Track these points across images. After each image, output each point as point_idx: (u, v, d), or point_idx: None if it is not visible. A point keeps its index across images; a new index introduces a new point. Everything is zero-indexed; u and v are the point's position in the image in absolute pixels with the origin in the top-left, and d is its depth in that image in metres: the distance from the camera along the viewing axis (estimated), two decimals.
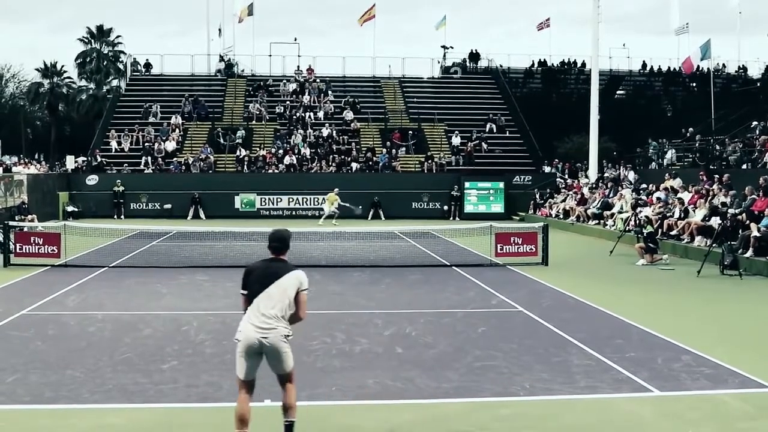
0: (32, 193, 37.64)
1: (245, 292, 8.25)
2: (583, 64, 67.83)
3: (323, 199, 41.38)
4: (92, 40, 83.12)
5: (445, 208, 44.56)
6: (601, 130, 45.01)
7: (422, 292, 18.50)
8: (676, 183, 31.30)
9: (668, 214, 27.95)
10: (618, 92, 70.80)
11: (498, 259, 23.41)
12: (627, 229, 27.67)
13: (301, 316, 8.43)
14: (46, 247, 22.84)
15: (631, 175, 39.03)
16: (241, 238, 28.56)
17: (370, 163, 47.66)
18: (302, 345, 12.75)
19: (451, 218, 43.56)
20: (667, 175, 33.53)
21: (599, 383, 10.67)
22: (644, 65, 70.21)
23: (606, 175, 42.52)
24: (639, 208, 27.99)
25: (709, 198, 27.00)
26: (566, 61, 70.53)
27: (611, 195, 35.64)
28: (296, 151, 48.30)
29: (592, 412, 9.57)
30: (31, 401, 9.76)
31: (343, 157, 48.12)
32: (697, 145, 37.77)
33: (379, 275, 21.12)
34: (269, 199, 44.57)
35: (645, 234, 24.69)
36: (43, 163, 54.96)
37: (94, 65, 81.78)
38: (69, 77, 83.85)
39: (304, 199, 44.54)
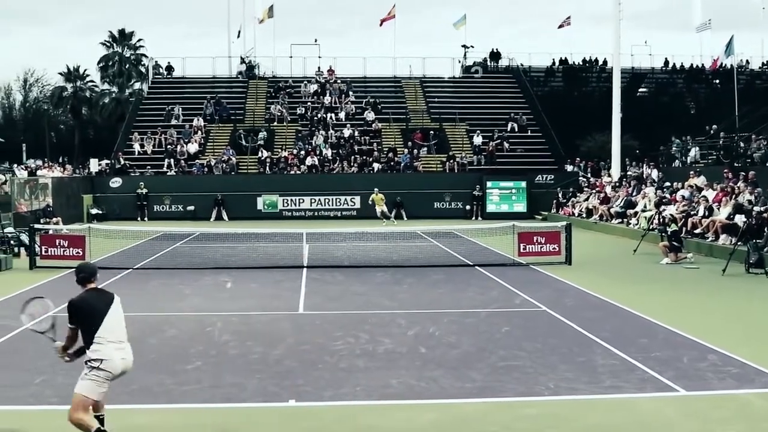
0: (57, 196, 37.89)
1: (72, 326, 8.35)
2: (605, 62, 67.47)
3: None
4: (114, 44, 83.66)
5: (468, 207, 44.46)
6: (624, 128, 44.72)
7: (445, 292, 18.48)
8: (700, 181, 31.11)
9: (692, 213, 27.76)
10: (640, 90, 70.35)
11: (521, 259, 23.33)
12: (651, 227, 27.54)
13: None
14: (71, 249, 23.01)
15: (655, 173, 38.81)
16: (264, 239, 28.68)
17: (392, 163, 47.63)
18: (325, 345, 12.81)
19: (474, 218, 43.47)
20: (691, 172, 33.33)
21: (624, 383, 10.62)
22: (666, 62, 69.75)
23: (629, 173, 42.28)
24: (663, 207, 27.87)
25: (734, 196, 26.79)
26: (587, 59, 70.17)
27: (634, 193, 35.45)
28: (318, 152, 48.36)
29: (617, 412, 9.53)
30: (58, 402, 9.81)
31: (364, 157, 48.13)
32: (721, 142, 37.52)
33: (401, 275, 21.11)
34: (291, 200, 44.64)
35: (669, 232, 24.52)
36: (67, 166, 55.25)
37: (116, 69, 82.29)
38: (92, 81, 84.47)
39: (327, 200, 44.59)
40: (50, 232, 25.66)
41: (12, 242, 25.39)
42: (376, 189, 41.02)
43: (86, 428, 8.10)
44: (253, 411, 9.68)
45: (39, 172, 44.60)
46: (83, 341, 8.33)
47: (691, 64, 69.23)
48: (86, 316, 8.32)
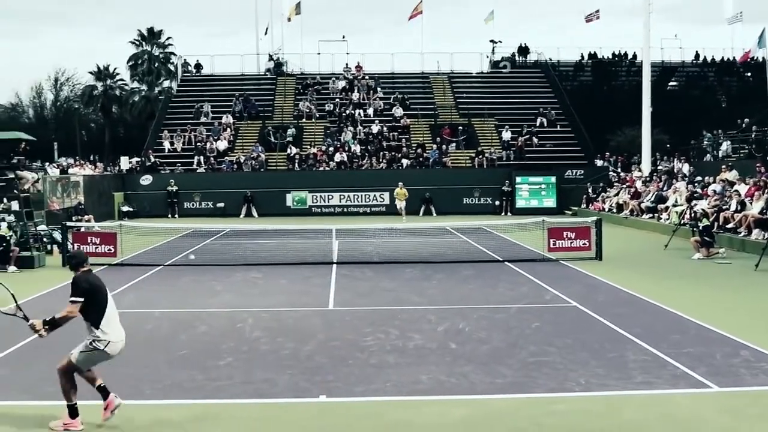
0: (88, 194, 38.20)
1: (81, 300, 8.85)
2: (634, 56, 67.04)
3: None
4: (143, 43, 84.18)
5: (497, 203, 44.37)
6: (654, 123, 44.43)
7: (475, 288, 18.45)
8: (732, 175, 30.82)
9: (724, 207, 27.50)
10: (670, 83, 69.84)
11: (551, 254, 23.24)
12: (682, 222, 27.33)
13: None
14: (102, 246, 23.23)
15: (686, 168, 38.49)
16: (294, 235, 28.75)
17: (421, 159, 47.58)
18: (356, 341, 12.84)
19: (503, 213, 43.35)
20: (723, 167, 33.03)
21: (656, 379, 10.56)
22: (697, 55, 69.16)
23: (660, 167, 42.00)
24: (694, 201, 27.63)
25: (767, 190, 26.51)
26: (617, 53, 69.79)
27: (665, 188, 35.20)
28: (347, 149, 48.42)
29: (649, 408, 9.48)
30: (91, 397, 9.88)
31: (393, 153, 48.12)
32: (753, 136, 37.13)
33: (431, 271, 21.11)
34: (321, 196, 44.76)
35: (701, 227, 24.32)
36: (98, 164, 55.71)
37: (145, 67, 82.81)
38: (122, 79, 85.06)
39: (356, 196, 44.66)
40: (82, 229, 25.91)
41: (45, 240, 25.65)
42: (400, 183, 41.11)
43: (67, 395, 8.87)
44: (284, 406, 9.73)
45: (70, 171, 44.97)
46: (90, 319, 8.84)
47: (722, 57, 68.63)
48: (96, 293, 8.97)
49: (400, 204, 40.34)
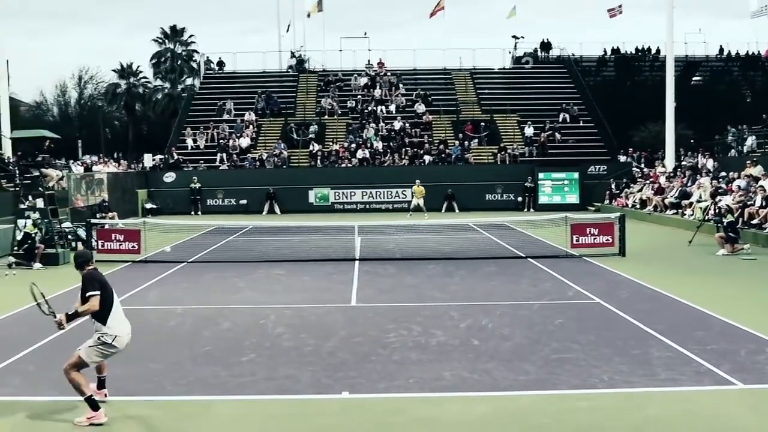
0: (112, 191, 38.40)
1: (99, 292, 9.22)
2: (658, 51, 66.63)
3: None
4: (166, 41, 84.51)
5: (519, 199, 44.26)
6: (678, 118, 44.16)
7: (497, 284, 18.43)
8: (757, 170, 30.57)
9: (749, 203, 27.30)
10: (694, 78, 69.39)
11: (574, 251, 23.17)
12: (706, 218, 27.16)
13: None
14: (126, 243, 23.39)
15: (710, 163, 38.24)
16: (317, 232, 28.80)
17: (443, 155, 47.54)
18: (378, 338, 12.86)
19: (526, 209, 43.24)
20: (747, 162, 32.75)
21: (680, 376, 10.51)
22: (721, 50, 68.67)
23: (683, 163, 41.72)
24: (718, 197, 27.44)
25: None
26: (640, 47, 69.38)
27: (689, 184, 34.98)
28: (369, 145, 48.44)
29: (673, 405, 9.43)
30: (115, 393, 9.99)
31: (415, 149, 48.10)
32: None
33: (453, 267, 21.08)
34: (343, 193, 44.80)
35: (725, 223, 24.17)
36: (122, 161, 55.99)
37: (168, 65, 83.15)
38: (145, 77, 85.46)
39: (378, 193, 44.68)
40: (106, 226, 26.06)
41: (69, 237, 25.83)
42: (417, 181, 41.11)
43: (80, 390, 9.05)
44: (306, 403, 9.75)
45: (94, 168, 45.28)
46: (98, 315, 9.17)
47: (747, 52, 68.17)
48: (104, 287, 9.31)
49: (416, 201, 40.26)
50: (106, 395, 9.74)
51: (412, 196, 41.10)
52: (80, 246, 25.40)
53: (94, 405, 9.01)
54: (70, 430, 8.90)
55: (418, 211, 39.26)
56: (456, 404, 9.55)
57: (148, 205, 43.27)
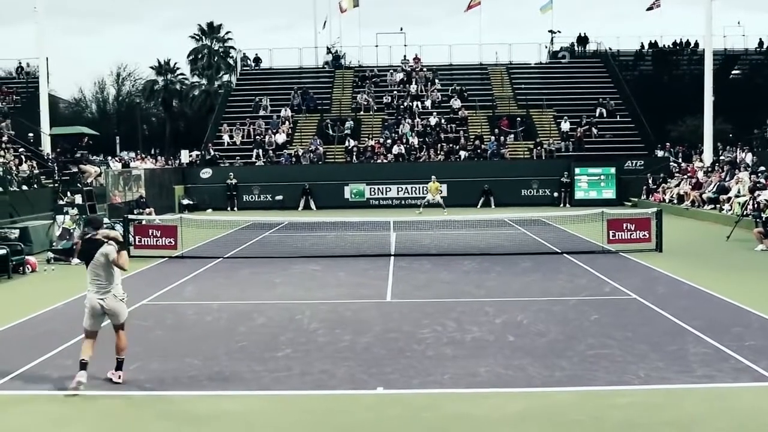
0: (149, 187, 38.71)
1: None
2: (696, 44, 65.85)
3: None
4: (203, 37, 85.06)
5: (556, 194, 44.08)
6: (716, 112, 43.73)
7: (533, 280, 18.35)
8: None
9: None
10: (733, 72, 68.57)
11: (610, 246, 23.01)
12: (745, 213, 26.86)
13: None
14: (163, 239, 23.57)
15: (749, 158, 37.80)
16: (352, 228, 28.83)
17: (479, 150, 47.41)
18: (413, 333, 12.86)
19: (562, 205, 43.02)
20: None
21: (717, 372, 10.41)
22: (761, 43, 67.72)
23: (722, 158, 41.28)
24: (757, 192, 27.11)
25: None
26: (678, 41, 68.64)
27: (728, 178, 34.60)
28: (404, 141, 48.42)
29: (710, 402, 9.35)
30: (152, 388, 10.09)
31: (451, 145, 48.03)
32: None
33: (489, 263, 21.03)
34: (378, 188, 44.84)
35: (764, 218, 23.90)
36: (159, 157, 56.48)
37: (205, 61, 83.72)
38: (182, 74, 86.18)
39: (413, 188, 44.61)
40: (143, 222, 26.27)
41: None
42: (433, 177, 41.13)
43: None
44: (341, 398, 9.78)
45: (132, 164, 45.70)
46: (111, 276, 10.44)
47: None
48: None
49: (431, 197, 40.21)
50: (120, 377, 10.27)
51: (427, 192, 41.04)
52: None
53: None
54: (105, 423, 9.00)
55: (433, 207, 39.23)
56: (491, 400, 9.53)
57: (185, 201, 43.58)
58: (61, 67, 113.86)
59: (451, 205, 39.68)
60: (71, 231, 23.01)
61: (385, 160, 46.93)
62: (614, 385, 10.02)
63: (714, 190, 34.43)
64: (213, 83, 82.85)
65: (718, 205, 33.20)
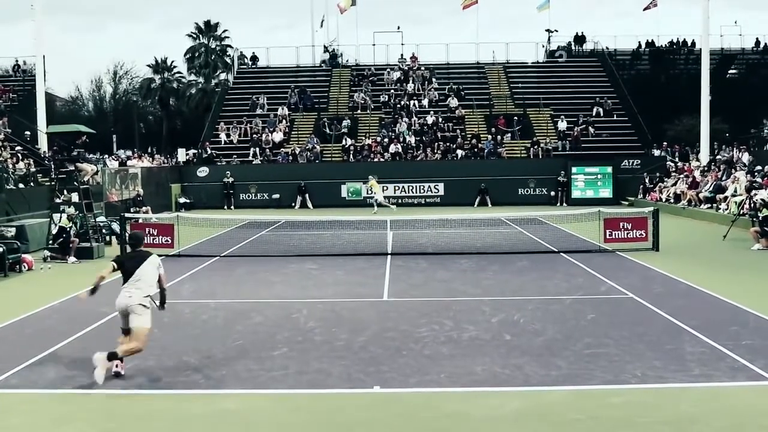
0: (146, 185, 38.71)
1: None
2: (693, 44, 65.87)
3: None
4: (200, 36, 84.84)
5: (552, 193, 44.11)
6: (713, 111, 43.70)
7: (530, 279, 18.35)
8: None
9: None
10: (730, 71, 68.55)
11: (607, 245, 23.03)
12: (741, 212, 26.89)
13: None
14: (160, 237, 23.51)
15: (745, 157, 37.83)
16: (349, 226, 28.82)
17: (476, 149, 47.44)
18: (410, 332, 12.86)
19: (559, 204, 43.04)
20: None
21: (714, 371, 10.42)
22: (757, 42, 67.74)
23: (718, 157, 41.30)
24: (754, 191, 27.15)
25: None
26: (675, 41, 68.63)
27: (724, 178, 34.63)
28: (401, 140, 48.43)
29: (707, 401, 9.36)
30: (148, 386, 10.09)
31: (448, 144, 48.04)
32: None
33: (486, 262, 21.04)
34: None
35: (760, 218, 23.92)
36: (156, 156, 56.37)
37: (202, 60, 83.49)
38: (179, 72, 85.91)
39: (410, 187, 44.64)
40: (140, 220, 26.27)
41: (104, 231, 26.05)
42: (370, 176, 41.57)
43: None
44: (338, 397, 9.77)
45: (129, 163, 45.62)
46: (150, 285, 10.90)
47: None
48: (122, 264, 11.09)
49: (376, 196, 40.50)
50: (118, 367, 10.56)
51: (375, 193, 41.19)
52: (114, 240, 25.71)
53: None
54: (102, 421, 8.99)
55: (378, 206, 39.47)
56: (487, 399, 9.53)
57: (182, 200, 43.56)
58: (58, 65, 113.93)
59: (448, 204, 39.67)
60: (68, 229, 22.97)
61: (382, 159, 46.91)
62: (611, 384, 10.02)
63: (710, 189, 34.46)
64: (210, 82, 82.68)
65: (714, 205, 33.22)
